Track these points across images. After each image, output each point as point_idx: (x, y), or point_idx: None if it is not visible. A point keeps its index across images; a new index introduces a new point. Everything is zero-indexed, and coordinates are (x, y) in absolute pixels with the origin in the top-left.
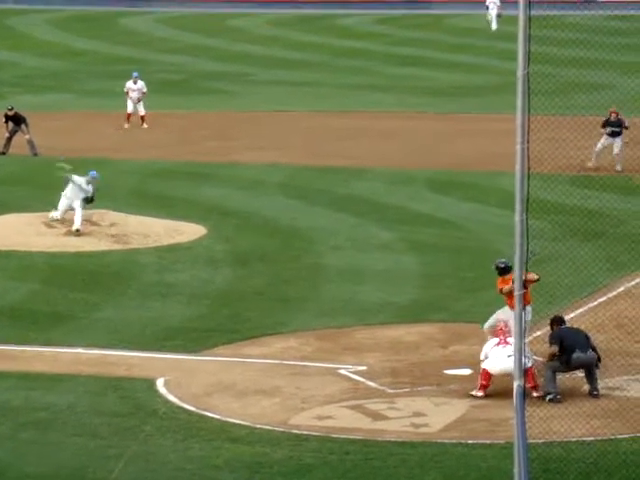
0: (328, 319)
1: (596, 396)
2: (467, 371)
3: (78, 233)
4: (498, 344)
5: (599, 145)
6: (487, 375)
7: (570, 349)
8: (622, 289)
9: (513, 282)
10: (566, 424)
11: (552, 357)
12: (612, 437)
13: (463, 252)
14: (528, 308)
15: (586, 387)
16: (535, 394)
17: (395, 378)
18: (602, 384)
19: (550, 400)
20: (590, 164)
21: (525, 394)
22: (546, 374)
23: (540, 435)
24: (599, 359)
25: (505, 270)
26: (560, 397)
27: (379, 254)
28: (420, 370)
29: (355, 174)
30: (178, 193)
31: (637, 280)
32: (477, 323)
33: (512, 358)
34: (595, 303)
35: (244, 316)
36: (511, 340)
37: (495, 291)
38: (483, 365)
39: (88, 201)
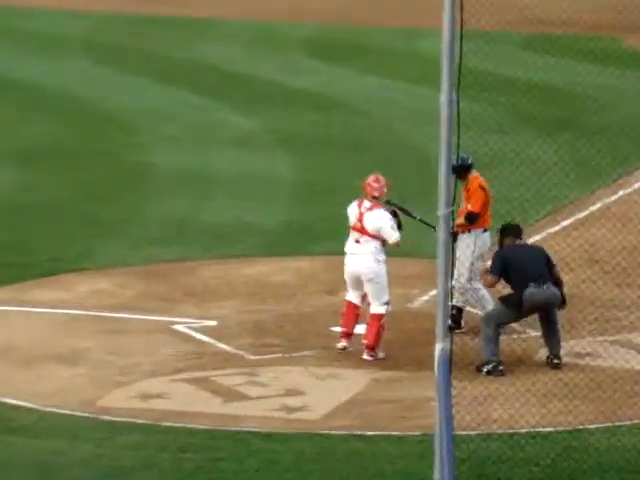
0: (158, 249)
1: (557, 366)
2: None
3: None
4: None
5: None
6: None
7: (520, 281)
8: (597, 207)
9: (483, 191)
10: (512, 408)
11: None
12: (579, 427)
13: (362, 150)
14: (486, 235)
15: (542, 352)
16: (366, 356)
17: (259, 338)
18: (566, 348)
19: (489, 372)
20: None
21: (451, 362)
22: (483, 331)
23: (474, 425)
24: (564, 300)
25: (462, 170)
26: (503, 368)
27: (234, 151)
28: (296, 326)
29: (199, 30)
30: None
31: (618, 194)
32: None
33: None
34: (558, 227)
35: (29, 244)
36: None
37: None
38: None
39: None
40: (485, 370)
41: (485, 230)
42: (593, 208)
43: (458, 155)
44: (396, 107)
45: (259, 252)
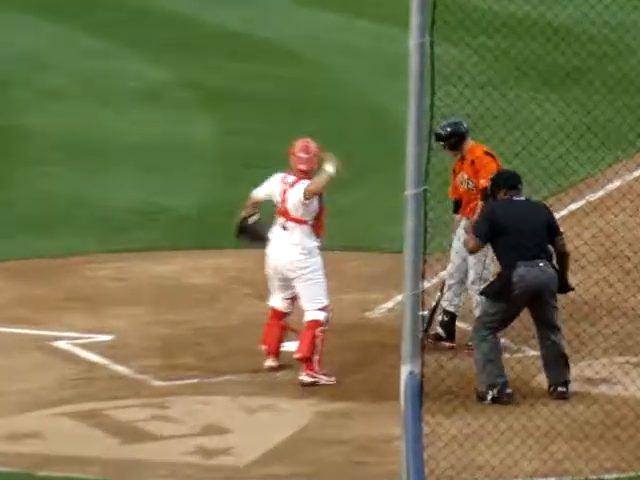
0: (33, 240)
1: (562, 395)
2: None
3: None
4: None
5: None
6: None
7: (509, 255)
8: (615, 186)
9: (492, 158)
10: (503, 451)
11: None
12: (591, 477)
13: (305, 110)
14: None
15: (543, 377)
16: (305, 377)
17: (169, 358)
18: (575, 372)
19: (494, 400)
20: None
21: (422, 390)
22: (475, 346)
23: (452, 473)
24: (565, 285)
25: (455, 140)
26: (511, 392)
27: (138, 111)
28: (217, 342)
29: None
30: None
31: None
32: (330, 250)
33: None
34: (564, 212)
35: None
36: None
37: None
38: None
39: None
40: (489, 398)
41: None
42: (610, 187)
43: (432, 117)
44: (351, 54)
45: (169, 245)
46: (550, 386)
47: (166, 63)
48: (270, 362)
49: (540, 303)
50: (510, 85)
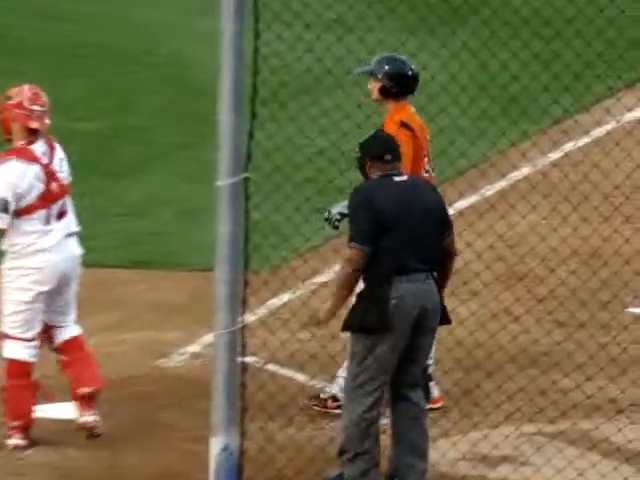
0: None
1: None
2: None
3: None
4: None
5: None
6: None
7: (387, 262)
8: (521, 174)
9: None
10: None
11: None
12: None
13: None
14: None
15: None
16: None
17: None
18: (464, 445)
19: None
20: None
21: (241, 473)
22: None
23: None
24: (446, 320)
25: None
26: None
27: None
28: None
29: None
30: None
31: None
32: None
33: None
34: (463, 204)
35: None
36: None
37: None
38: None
39: None
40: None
41: None
42: (515, 175)
43: (257, 71)
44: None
45: None
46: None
47: None
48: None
49: (416, 340)
50: (370, 25)
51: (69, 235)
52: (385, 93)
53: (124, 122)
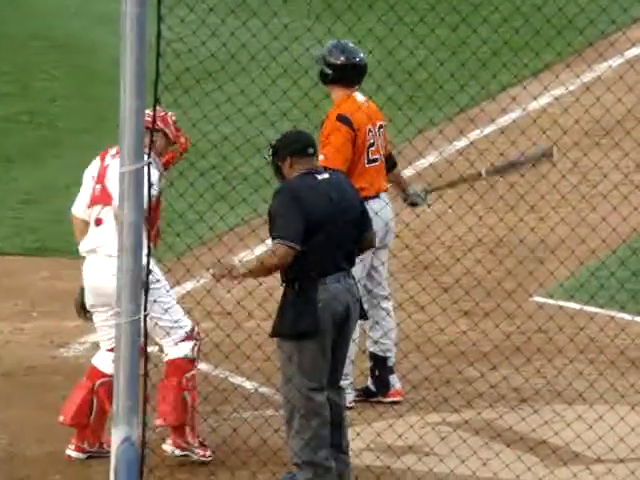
0: None
1: None
2: None
3: None
4: None
5: None
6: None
7: (312, 267)
8: (427, 162)
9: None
10: None
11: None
12: None
13: None
14: (379, 204)
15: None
16: (168, 446)
17: None
18: (368, 435)
19: None
20: None
21: (142, 465)
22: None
23: None
24: (364, 315)
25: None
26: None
27: None
28: None
29: None
30: None
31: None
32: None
33: None
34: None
35: None
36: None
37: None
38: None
39: None
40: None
41: (377, 195)
42: (421, 164)
43: (159, 54)
44: None
45: None
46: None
47: None
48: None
49: (339, 338)
50: (275, 10)
51: None
52: (331, 81)
53: (20, 107)
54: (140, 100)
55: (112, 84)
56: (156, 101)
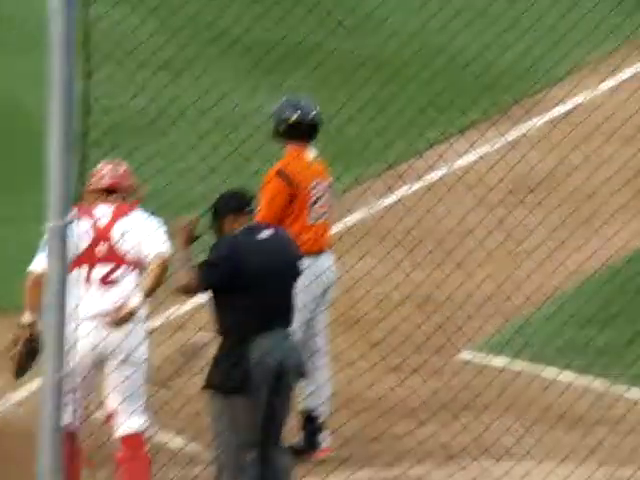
0: None
1: None
2: None
3: None
4: None
5: None
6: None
7: (250, 321)
8: (354, 219)
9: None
10: None
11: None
12: None
13: None
14: (323, 261)
15: None
16: None
17: None
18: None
19: None
20: None
21: None
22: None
23: None
24: (303, 373)
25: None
26: None
27: None
28: None
29: None
30: None
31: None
32: None
33: None
34: None
35: None
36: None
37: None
38: None
39: None
40: None
41: (320, 252)
42: (350, 220)
43: (88, 111)
44: None
45: None
46: None
47: None
48: None
49: (276, 398)
50: (204, 66)
51: None
52: (282, 136)
53: None
54: (69, 155)
55: (36, 140)
56: (83, 158)
